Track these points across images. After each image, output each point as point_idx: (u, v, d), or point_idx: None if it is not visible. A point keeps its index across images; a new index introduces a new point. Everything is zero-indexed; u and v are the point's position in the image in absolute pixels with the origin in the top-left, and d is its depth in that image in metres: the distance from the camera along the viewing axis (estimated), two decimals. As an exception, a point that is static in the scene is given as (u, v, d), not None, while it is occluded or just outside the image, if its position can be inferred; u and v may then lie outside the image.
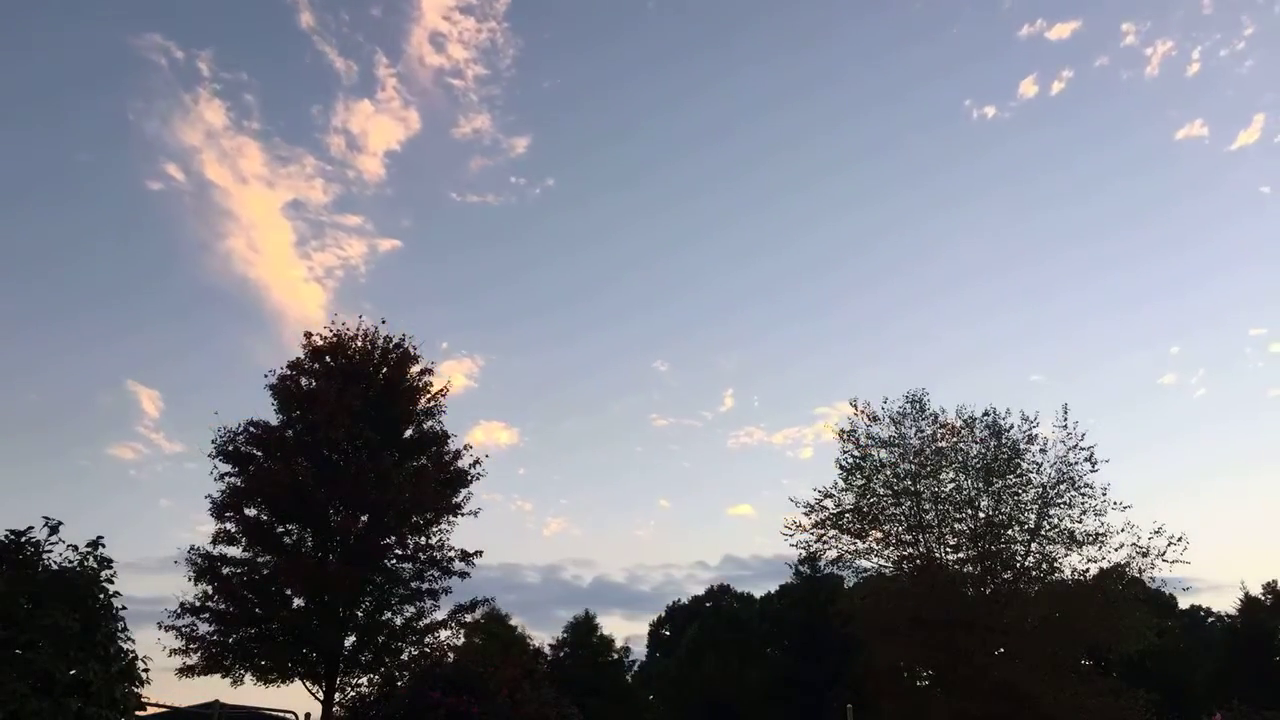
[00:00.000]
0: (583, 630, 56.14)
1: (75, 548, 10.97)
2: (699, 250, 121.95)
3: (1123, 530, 25.31)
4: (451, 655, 22.70)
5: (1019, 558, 25.92)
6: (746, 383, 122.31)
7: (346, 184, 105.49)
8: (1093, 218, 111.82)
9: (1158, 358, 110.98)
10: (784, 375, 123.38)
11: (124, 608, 11.11)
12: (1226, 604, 60.70)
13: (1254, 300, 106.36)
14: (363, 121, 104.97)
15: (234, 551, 22.21)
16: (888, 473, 26.59)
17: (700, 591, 75.41)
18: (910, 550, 26.49)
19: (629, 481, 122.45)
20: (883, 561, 26.74)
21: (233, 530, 22.16)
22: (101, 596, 10.81)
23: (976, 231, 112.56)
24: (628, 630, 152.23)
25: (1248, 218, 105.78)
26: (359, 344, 24.18)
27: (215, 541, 22.12)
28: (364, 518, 22.38)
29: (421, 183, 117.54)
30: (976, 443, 26.38)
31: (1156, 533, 25.19)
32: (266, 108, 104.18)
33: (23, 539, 10.77)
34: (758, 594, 63.21)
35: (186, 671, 20.95)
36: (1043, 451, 26.10)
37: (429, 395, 24.54)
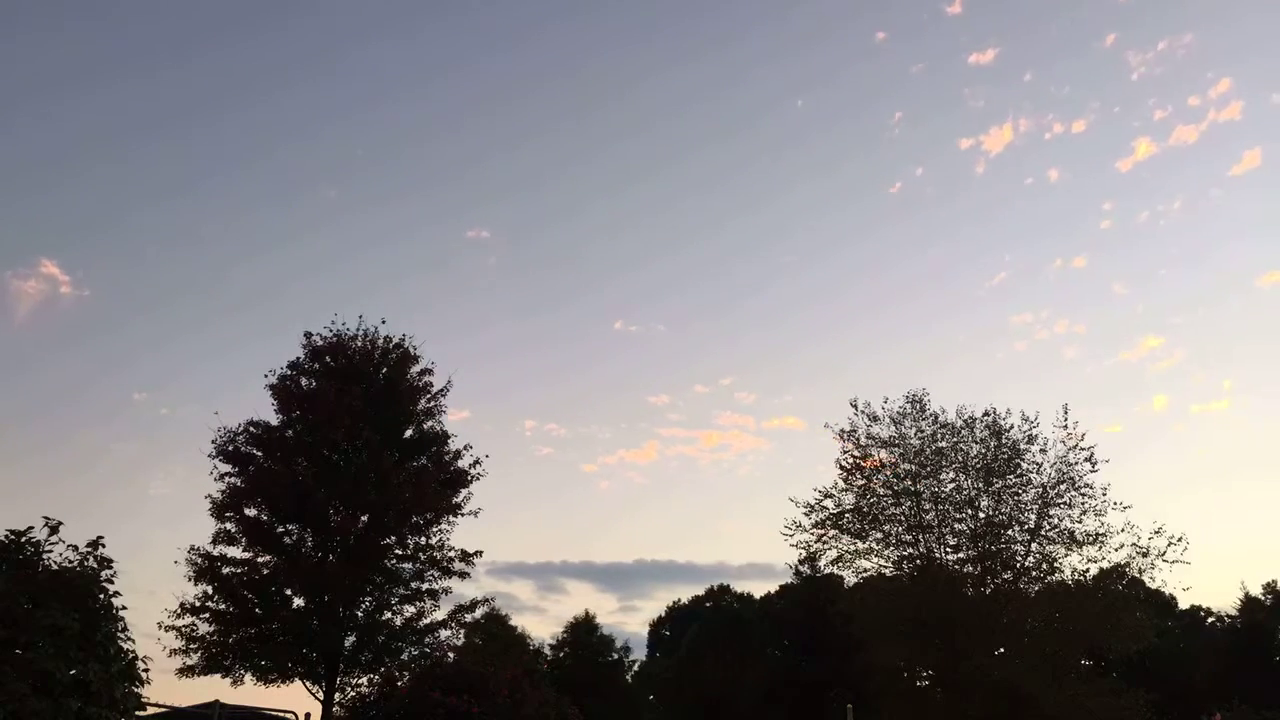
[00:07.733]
0: (583, 630, 56.18)
1: (75, 548, 10.99)
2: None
3: (1123, 530, 25.33)
4: (451, 655, 22.75)
5: (1019, 558, 25.92)
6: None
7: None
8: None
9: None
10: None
11: (124, 608, 11.13)
12: (1226, 604, 60.54)
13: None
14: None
15: (234, 551, 22.27)
16: (888, 473, 26.59)
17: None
18: (910, 550, 26.49)
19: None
20: (883, 562, 26.75)
21: (233, 530, 22.21)
22: (101, 596, 10.83)
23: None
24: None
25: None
26: (359, 344, 24.20)
27: (215, 541, 22.17)
28: (364, 518, 22.40)
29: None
30: (976, 443, 26.38)
31: (1156, 533, 25.23)
32: None
33: (23, 539, 10.79)
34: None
35: (186, 671, 20.99)
36: (1043, 452, 26.09)
37: (429, 395, 24.58)
